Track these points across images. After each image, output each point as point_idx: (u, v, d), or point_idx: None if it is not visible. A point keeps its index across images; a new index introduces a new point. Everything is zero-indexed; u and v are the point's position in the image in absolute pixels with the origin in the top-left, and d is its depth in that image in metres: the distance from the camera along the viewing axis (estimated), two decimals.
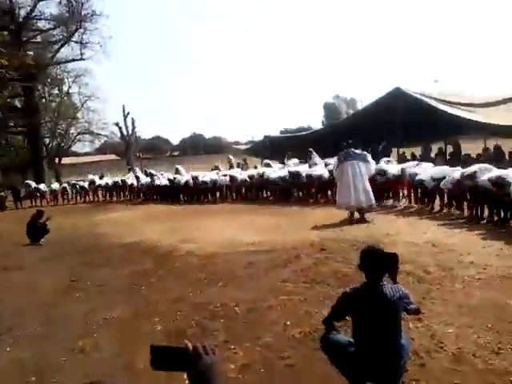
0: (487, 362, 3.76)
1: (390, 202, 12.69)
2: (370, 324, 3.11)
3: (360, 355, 3.14)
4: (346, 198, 10.64)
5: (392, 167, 12.86)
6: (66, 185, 23.58)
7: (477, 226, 9.13)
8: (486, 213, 9.47)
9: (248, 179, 16.73)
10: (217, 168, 20.89)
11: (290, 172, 15.34)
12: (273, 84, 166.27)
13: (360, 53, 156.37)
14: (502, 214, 9.01)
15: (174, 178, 18.91)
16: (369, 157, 11.16)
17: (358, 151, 10.99)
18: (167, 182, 19.05)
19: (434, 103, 16.38)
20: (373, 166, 11.32)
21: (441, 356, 3.91)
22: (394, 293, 3.11)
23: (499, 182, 8.59)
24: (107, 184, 21.86)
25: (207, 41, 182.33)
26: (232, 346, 4.48)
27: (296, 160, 17.53)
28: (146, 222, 13.33)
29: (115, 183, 21.65)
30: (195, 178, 17.87)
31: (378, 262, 3.17)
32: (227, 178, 17.43)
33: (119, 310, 5.85)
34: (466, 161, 13.87)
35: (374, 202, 10.84)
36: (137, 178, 20.88)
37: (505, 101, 17.86)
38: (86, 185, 22.37)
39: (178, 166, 20.85)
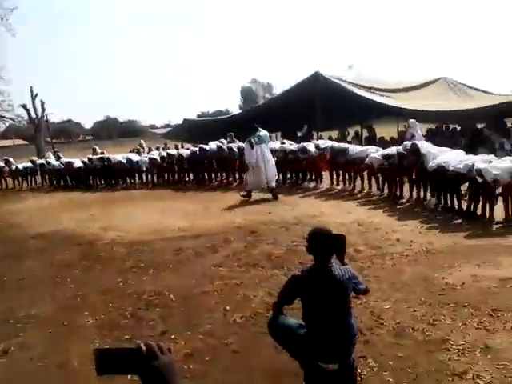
0: (425, 334, 3.94)
1: (313, 183, 12.90)
2: (321, 305, 3.09)
3: (311, 337, 3.12)
4: (259, 179, 11.35)
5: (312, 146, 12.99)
6: None
7: (396, 205, 9.53)
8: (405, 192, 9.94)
9: (167, 158, 16.08)
10: (138, 150, 20.19)
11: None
12: (189, 67, 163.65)
13: (276, 38, 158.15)
14: (422, 193, 9.47)
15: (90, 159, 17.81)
16: (266, 135, 11.82)
17: (262, 134, 11.52)
18: (81, 164, 17.88)
19: (351, 88, 16.88)
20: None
21: (382, 332, 4.03)
22: (343, 274, 3.11)
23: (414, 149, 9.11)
24: (17, 168, 20.08)
25: (121, 19, 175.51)
26: (172, 336, 4.33)
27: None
28: (62, 210, 12.57)
29: (27, 168, 19.95)
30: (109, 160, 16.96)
31: (326, 244, 3.15)
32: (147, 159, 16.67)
33: (45, 305, 5.47)
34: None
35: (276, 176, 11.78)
36: (47, 163, 19.53)
37: (416, 86, 18.81)
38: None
39: (95, 146, 19.88)
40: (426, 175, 9.02)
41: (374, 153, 10.47)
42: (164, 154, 16.41)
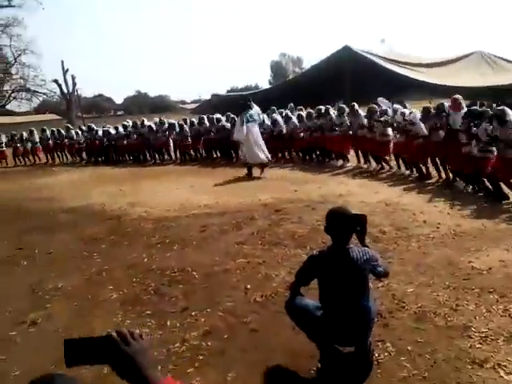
0: (447, 319, 3.86)
1: (340, 162, 12.74)
2: (337, 287, 3.06)
3: (327, 319, 3.10)
4: (254, 154, 11.72)
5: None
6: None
7: (425, 185, 9.33)
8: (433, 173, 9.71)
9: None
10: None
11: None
12: (219, 42, 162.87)
13: (306, 11, 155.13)
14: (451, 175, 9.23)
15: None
16: (260, 116, 12.24)
17: (253, 112, 11.86)
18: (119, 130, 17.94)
19: (381, 62, 16.48)
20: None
21: (403, 316, 3.97)
22: (362, 255, 3.05)
23: None
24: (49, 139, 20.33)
25: None
26: (193, 313, 4.38)
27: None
28: (91, 185, 12.81)
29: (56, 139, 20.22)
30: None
31: (344, 224, 3.09)
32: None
33: (71, 278, 5.60)
34: None
35: (269, 157, 12.15)
36: (76, 133, 19.72)
37: (449, 61, 18.22)
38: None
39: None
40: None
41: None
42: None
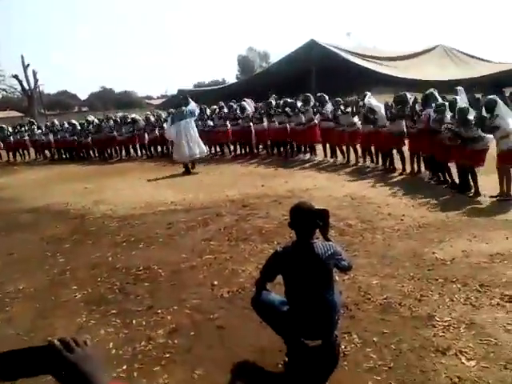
0: (411, 310, 3.91)
1: (307, 156, 12.80)
2: (302, 282, 3.06)
3: (293, 313, 3.10)
4: (182, 153, 12.13)
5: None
6: None
7: (390, 178, 9.47)
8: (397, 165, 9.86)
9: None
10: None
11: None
12: (186, 37, 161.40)
13: (272, 5, 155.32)
14: (416, 166, 9.38)
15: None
16: (191, 109, 12.30)
17: (186, 109, 12.14)
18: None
19: (348, 56, 16.62)
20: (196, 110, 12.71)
21: (369, 307, 4.01)
22: (326, 250, 3.06)
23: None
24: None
25: None
26: (159, 311, 4.32)
27: None
28: (55, 184, 12.50)
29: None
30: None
31: (308, 219, 3.09)
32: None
33: (34, 279, 5.45)
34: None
35: (206, 149, 12.67)
36: (39, 129, 19.19)
37: (413, 54, 18.52)
38: None
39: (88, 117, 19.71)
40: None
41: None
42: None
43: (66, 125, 18.01)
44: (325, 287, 3.06)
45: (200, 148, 12.31)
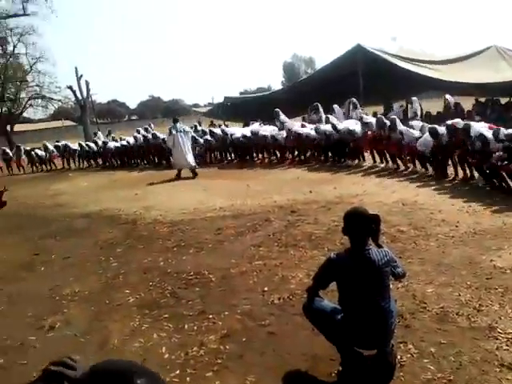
0: (470, 320, 3.76)
1: (355, 161, 12.63)
2: (357, 290, 2.99)
3: (348, 322, 3.04)
4: (181, 160, 13.57)
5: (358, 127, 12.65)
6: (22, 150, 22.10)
7: (442, 183, 9.19)
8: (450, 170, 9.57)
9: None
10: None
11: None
12: (231, 45, 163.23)
13: (317, 11, 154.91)
14: (468, 172, 9.08)
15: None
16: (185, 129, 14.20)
17: (178, 125, 13.82)
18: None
19: (394, 60, 16.31)
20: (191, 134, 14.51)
21: (424, 316, 3.88)
22: (382, 256, 2.99)
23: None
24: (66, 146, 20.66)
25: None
26: (210, 316, 4.33)
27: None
28: (107, 190, 12.87)
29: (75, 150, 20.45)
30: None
31: (363, 225, 3.02)
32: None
33: (88, 282, 5.60)
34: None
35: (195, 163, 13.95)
36: (94, 142, 19.97)
37: (463, 57, 17.98)
38: (42, 154, 21.18)
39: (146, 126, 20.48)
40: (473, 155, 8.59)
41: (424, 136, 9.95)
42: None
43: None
44: (381, 295, 2.98)
45: (191, 159, 13.67)
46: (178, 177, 13.54)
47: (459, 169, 9.29)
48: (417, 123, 11.19)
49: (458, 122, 9.32)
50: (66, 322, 4.62)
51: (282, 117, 16.32)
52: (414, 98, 15.66)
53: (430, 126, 9.80)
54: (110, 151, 18.68)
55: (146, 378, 0.89)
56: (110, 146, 18.63)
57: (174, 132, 13.60)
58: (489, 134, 8.13)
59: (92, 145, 19.64)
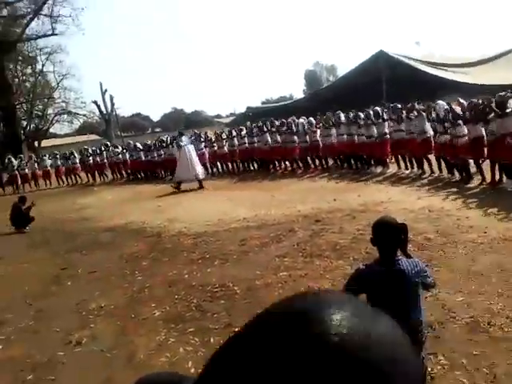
0: (503, 330, 3.65)
1: (379, 168, 12.50)
2: (388, 301, 2.89)
3: None
4: (186, 172, 13.88)
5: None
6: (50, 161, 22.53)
7: (468, 188, 9.02)
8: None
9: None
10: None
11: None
12: (253, 54, 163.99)
13: (338, 18, 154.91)
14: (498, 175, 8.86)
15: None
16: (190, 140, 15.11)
17: (183, 138, 14.44)
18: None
19: (417, 65, 16.17)
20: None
21: (454, 326, 3.79)
22: (413, 267, 2.91)
23: None
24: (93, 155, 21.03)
25: (186, 12, 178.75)
26: (236, 329, 4.25)
27: None
28: (131, 203, 13.03)
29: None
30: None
31: (393, 235, 2.95)
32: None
33: (114, 296, 5.64)
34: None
35: (205, 174, 14.65)
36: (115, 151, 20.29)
37: (489, 59, 17.71)
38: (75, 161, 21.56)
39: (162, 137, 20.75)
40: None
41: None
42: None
43: (139, 145, 18.87)
44: (411, 306, 2.91)
45: (201, 170, 14.22)
46: (178, 189, 13.86)
47: (486, 173, 9.08)
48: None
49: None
50: (93, 336, 4.64)
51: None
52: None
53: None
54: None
55: None
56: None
57: (181, 144, 14.12)
58: None
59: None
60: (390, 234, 2.93)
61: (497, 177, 8.87)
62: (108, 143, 22.48)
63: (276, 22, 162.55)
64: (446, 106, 10.06)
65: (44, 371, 4.06)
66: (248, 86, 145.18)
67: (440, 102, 10.54)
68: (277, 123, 15.18)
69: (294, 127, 14.51)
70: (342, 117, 13.43)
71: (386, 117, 11.95)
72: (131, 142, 21.17)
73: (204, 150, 16.70)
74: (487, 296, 4.26)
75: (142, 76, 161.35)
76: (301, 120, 14.46)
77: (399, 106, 11.84)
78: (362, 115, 12.65)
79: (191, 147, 14.33)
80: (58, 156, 22.00)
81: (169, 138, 17.94)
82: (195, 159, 14.15)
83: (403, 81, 16.06)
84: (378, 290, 2.94)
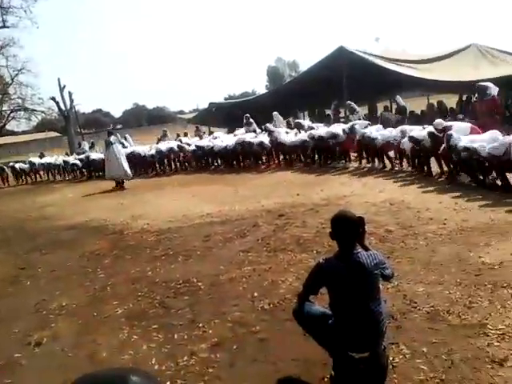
0: (461, 317, 3.75)
1: (342, 163, 12.65)
2: (348, 294, 2.95)
3: (339, 326, 3.00)
4: (116, 171, 14.49)
5: (340, 128, 12.73)
6: (4, 167, 22.01)
7: (428, 182, 9.22)
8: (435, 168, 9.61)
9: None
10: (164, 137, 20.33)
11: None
12: (215, 50, 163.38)
13: (300, 14, 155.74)
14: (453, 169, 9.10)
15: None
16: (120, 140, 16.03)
17: (112, 138, 14.80)
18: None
19: (377, 61, 16.38)
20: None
21: (415, 316, 3.87)
22: (372, 259, 2.96)
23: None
24: (50, 164, 20.53)
25: (148, 6, 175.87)
26: (200, 325, 4.28)
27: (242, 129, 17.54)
28: (92, 201, 12.79)
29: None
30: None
31: (351, 229, 2.99)
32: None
33: (75, 295, 5.51)
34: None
35: (131, 173, 15.01)
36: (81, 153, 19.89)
37: (445, 56, 18.10)
38: (25, 167, 21.00)
39: (126, 135, 20.60)
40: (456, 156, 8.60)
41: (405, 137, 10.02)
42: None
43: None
44: (371, 297, 2.95)
45: (126, 170, 14.63)
46: (117, 186, 14.45)
47: (444, 166, 9.32)
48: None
49: (440, 122, 9.37)
50: (54, 336, 4.53)
51: (274, 124, 16.49)
52: (398, 96, 15.87)
53: (410, 135, 9.81)
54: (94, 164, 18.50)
55: (140, 377, 0.94)
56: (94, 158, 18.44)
57: (109, 144, 14.57)
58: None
59: (77, 162, 19.39)
60: (348, 228, 2.97)
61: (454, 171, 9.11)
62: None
63: (238, 18, 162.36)
64: (403, 103, 10.31)
65: (0, 374, 3.93)
66: (211, 82, 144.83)
67: (398, 96, 10.80)
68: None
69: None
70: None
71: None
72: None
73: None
74: (446, 285, 4.36)
75: (103, 72, 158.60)
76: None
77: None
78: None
79: (119, 146, 15.05)
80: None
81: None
82: (123, 157, 14.75)
83: (364, 76, 16.28)
84: (339, 283, 2.98)
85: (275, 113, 17.28)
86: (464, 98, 17.63)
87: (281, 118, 17.31)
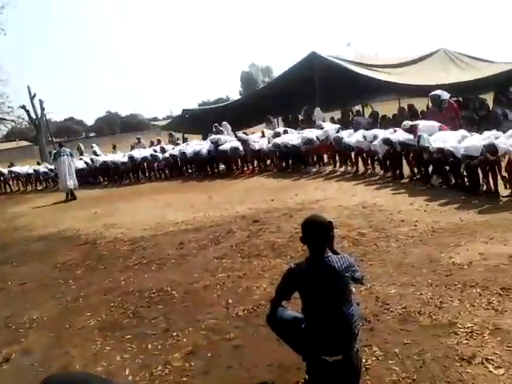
0: (432, 317, 3.80)
1: (316, 167, 12.73)
2: (320, 297, 2.97)
3: (312, 330, 3.02)
4: (65, 182, 14.77)
5: (313, 133, 12.80)
6: None
7: (400, 184, 9.36)
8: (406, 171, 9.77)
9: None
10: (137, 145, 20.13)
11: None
12: (189, 56, 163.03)
13: (273, 20, 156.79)
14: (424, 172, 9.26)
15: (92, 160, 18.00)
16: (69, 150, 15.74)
17: (64, 150, 15.34)
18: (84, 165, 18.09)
19: (349, 66, 16.58)
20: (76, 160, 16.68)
21: (388, 318, 3.90)
22: (342, 263, 2.98)
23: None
24: (19, 173, 20.23)
25: (119, 12, 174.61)
26: (174, 333, 4.24)
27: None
28: (65, 210, 12.59)
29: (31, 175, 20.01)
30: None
31: (321, 233, 3.01)
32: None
33: (47, 308, 5.40)
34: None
35: (76, 185, 15.28)
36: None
37: (414, 60, 18.45)
38: None
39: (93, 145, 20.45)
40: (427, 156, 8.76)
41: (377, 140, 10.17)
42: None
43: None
44: (343, 300, 2.97)
45: (74, 181, 15.02)
46: (67, 198, 14.66)
47: (416, 169, 9.48)
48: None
49: (407, 122, 9.58)
50: (23, 351, 4.42)
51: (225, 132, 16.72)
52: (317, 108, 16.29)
53: (383, 137, 9.95)
54: None
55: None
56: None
57: (59, 156, 14.91)
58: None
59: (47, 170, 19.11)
60: (318, 232, 2.99)
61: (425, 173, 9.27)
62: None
63: (212, 24, 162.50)
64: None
65: None
66: (185, 88, 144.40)
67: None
68: None
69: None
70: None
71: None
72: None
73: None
74: (418, 287, 4.42)
75: (75, 79, 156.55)
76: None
77: None
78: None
79: (70, 158, 15.18)
80: None
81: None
82: (72, 170, 15.07)
83: (336, 82, 16.44)
84: (310, 287, 2.99)
85: (224, 122, 17.44)
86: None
87: (229, 128, 17.52)
